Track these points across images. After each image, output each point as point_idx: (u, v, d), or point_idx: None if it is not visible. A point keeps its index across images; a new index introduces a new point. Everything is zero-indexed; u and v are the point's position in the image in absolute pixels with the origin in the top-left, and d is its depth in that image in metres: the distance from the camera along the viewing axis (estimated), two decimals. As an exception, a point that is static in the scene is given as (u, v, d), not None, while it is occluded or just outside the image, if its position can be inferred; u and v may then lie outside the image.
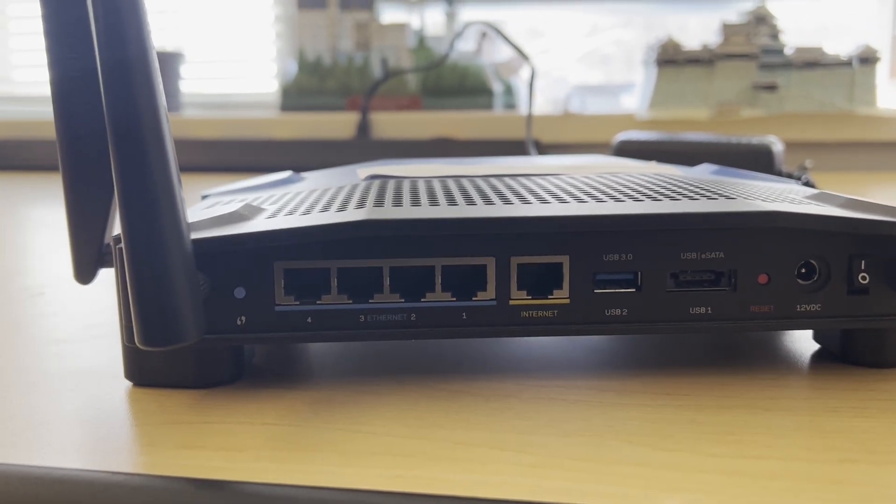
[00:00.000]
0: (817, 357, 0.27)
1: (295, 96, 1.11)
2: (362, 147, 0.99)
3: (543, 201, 0.25)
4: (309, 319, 0.24)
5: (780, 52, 0.93)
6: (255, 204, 0.27)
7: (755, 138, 0.63)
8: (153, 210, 0.20)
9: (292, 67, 1.13)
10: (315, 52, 1.11)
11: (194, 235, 0.22)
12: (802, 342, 0.29)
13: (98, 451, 0.21)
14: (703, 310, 0.24)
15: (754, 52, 0.93)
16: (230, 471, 0.19)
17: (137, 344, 0.20)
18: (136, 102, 0.20)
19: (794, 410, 0.23)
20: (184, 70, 1.19)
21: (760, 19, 0.94)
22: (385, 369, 0.26)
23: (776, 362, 0.27)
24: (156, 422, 0.22)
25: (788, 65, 0.92)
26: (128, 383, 0.25)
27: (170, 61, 1.15)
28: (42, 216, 0.66)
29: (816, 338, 0.28)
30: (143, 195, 0.20)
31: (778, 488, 0.18)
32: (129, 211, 0.20)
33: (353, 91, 1.08)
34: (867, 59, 0.91)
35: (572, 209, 0.24)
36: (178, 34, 1.32)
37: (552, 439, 0.21)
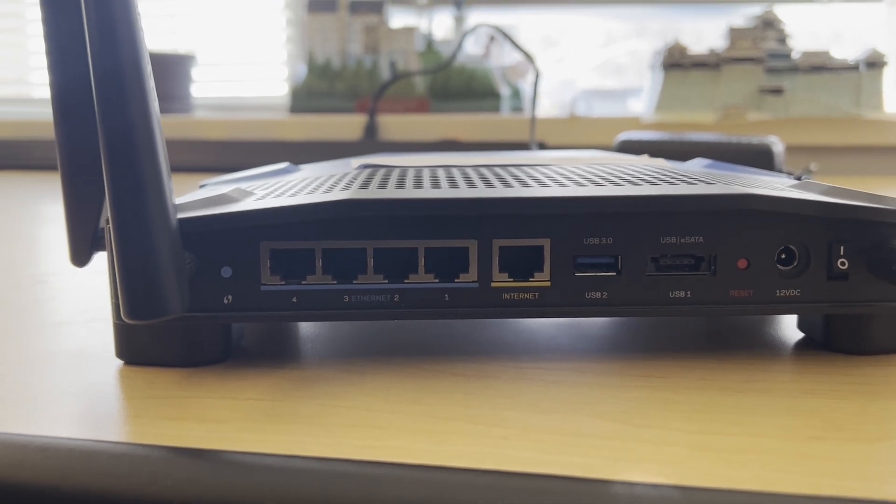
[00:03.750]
0: (800, 345, 0.28)
1: (304, 98, 1.12)
2: (369, 148, 1.00)
3: (526, 186, 0.26)
4: (294, 299, 0.24)
5: (786, 56, 0.93)
6: (246, 189, 0.28)
7: (755, 138, 0.63)
8: (139, 190, 0.20)
9: (302, 70, 1.14)
10: (325, 55, 1.12)
11: (182, 215, 0.23)
12: (787, 330, 0.29)
13: (84, 421, 0.21)
14: (682, 294, 0.25)
15: (761, 55, 0.93)
16: (211, 440, 0.20)
17: (123, 317, 0.21)
18: (126, 102, 0.20)
19: (769, 392, 0.23)
20: (195, 73, 1.21)
21: (768, 24, 0.94)
22: (369, 350, 0.27)
23: (759, 348, 0.27)
24: (143, 396, 0.23)
25: (795, 69, 0.92)
26: (119, 362, 0.26)
27: (182, 64, 1.16)
28: (50, 212, 0.67)
29: (800, 326, 0.28)
30: (129, 176, 0.20)
31: (742, 461, 0.18)
32: (116, 190, 0.21)
33: (362, 93, 1.09)
34: (874, 64, 0.91)
35: (552, 192, 0.24)
36: (190, 37, 1.34)
37: (527, 415, 0.21)
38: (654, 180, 0.27)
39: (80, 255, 0.27)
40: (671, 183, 0.26)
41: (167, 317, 0.21)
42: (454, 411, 0.22)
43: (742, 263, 0.25)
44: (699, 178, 0.27)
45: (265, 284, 0.24)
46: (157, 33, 1.34)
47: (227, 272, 0.24)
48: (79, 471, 0.19)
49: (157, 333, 0.25)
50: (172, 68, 1.14)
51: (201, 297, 0.24)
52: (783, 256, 0.25)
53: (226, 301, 0.24)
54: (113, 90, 0.20)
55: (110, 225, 0.21)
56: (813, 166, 0.71)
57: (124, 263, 0.21)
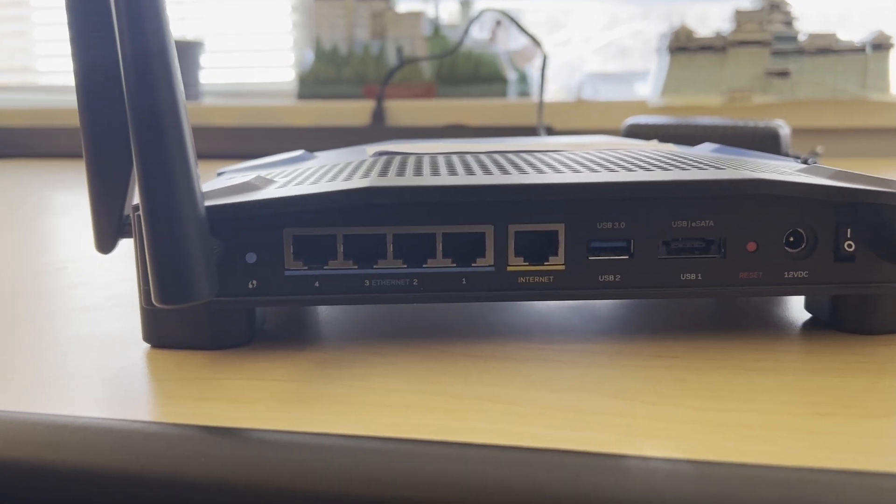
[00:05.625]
0: (808, 325, 0.28)
1: (311, 85, 1.12)
2: (377, 134, 1.00)
3: (540, 172, 0.26)
4: (316, 283, 0.25)
5: (793, 38, 0.93)
6: (266, 177, 0.28)
7: (762, 122, 0.64)
8: (169, 177, 0.21)
9: (309, 56, 1.14)
10: (332, 41, 1.12)
11: (208, 203, 0.24)
12: (795, 311, 0.30)
13: (117, 402, 0.22)
14: (693, 276, 0.25)
15: (767, 38, 0.93)
16: (240, 419, 0.21)
17: (154, 302, 0.22)
18: (155, 86, 0.21)
19: (779, 371, 0.24)
20: (204, 59, 1.21)
21: (774, 6, 0.94)
22: (389, 333, 0.28)
23: (768, 329, 0.28)
24: (172, 378, 0.24)
25: (801, 51, 0.92)
26: (146, 345, 0.27)
27: (190, 51, 1.16)
28: (65, 201, 0.68)
29: (808, 307, 0.29)
30: (160, 165, 0.21)
31: (751, 436, 0.19)
32: (147, 179, 0.21)
33: (369, 79, 1.10)
34: (880, 46, 0.91)
35: (566, 178, 0.25)
36: (199, 24, 1.34)
37: (543, 394, 0.22)
38: (666, 165, 0.27)
39: (106, 242, 0.27)
40: (682, 168, 0.26)
41: (197, 301, 0.22)
42: (472, 391, 0.22)
43: (751, 246, 0.25)
44: (709, 164, 0.28)
45: (289, 269, 0.25)
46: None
47: (251, 258, 0.25)
48: (115, 451, 0.20)
49: (184, 317, 0.26)
50: (181, 55, 1.13)
51: (227, 282, 0.25)
52: (791, 239, 0.25)
53: (251, 286, 0.25)
54: (143, 74, 0.21)
55: (141, 212, 0.22)
56: (819, 149, 0.71)
57: (156, 250, 0.21)
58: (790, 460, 0.18)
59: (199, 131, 1.12)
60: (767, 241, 0.25)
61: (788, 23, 0.94)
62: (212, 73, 1.29)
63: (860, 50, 0.91)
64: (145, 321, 0.26)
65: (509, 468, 0.18)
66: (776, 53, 0.93)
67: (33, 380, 0.24)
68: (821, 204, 0.25)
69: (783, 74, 0.92)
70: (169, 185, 0.21)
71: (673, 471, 0.18)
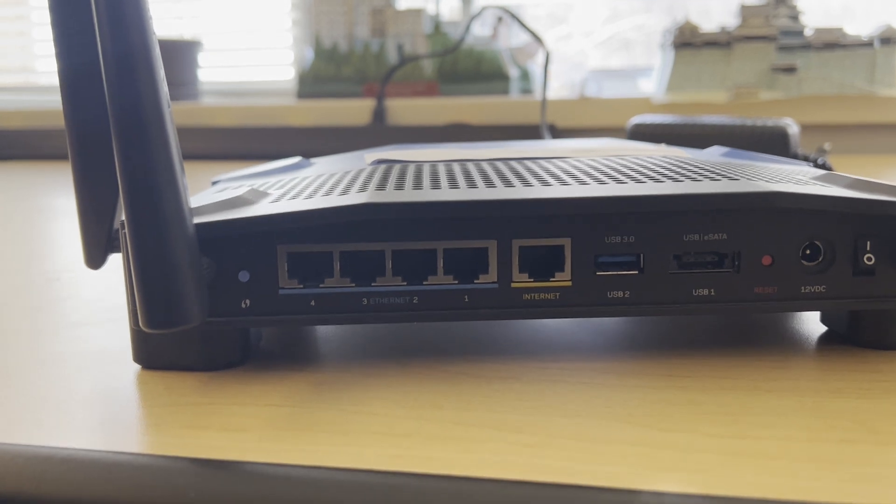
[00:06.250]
0: (824, 339, 0.27)
1: (311, 83, 1.11)
2: (377, 133, 0.99)
3: (546, 184, 0.25)
4: (312, 302, 0.24)
5: (799, 33, 0.92)
6: (260, 189, 0.27)
7: (770, 121, 0.62)
8: (155, 195, 0.20)
9: (309, 55, 1.13)
10: (331, 39, 1.11)
11: (198, 220, 0.23)
12: (810, 324, 0.29)
13: (103, 431, 0.21)
14: (706, 291, 0.24)
15: (773, 33, 0.91)
16: (232, 450, 0.20)
17: (142, 327, 0.21)
18: (137, 92, 0.20)
19: (796, 392, 0.23)
20: (202, 58, 1.20)
21: (780, 0, 0.93)
22: (388, 353, 0.27)
23: (782, 345, 0.27)
24: (161, 403, 0.23)
25: (808, 46, 0.91)
26: (136, 366, 0.26)
27: (188, 50, 1.15)
28: (62, 204, 0.67)
29: (824, 320, 0.28)
30: (145, 181, 0.20)
31: (776, 468, 0.18)
32: (131, 196, 0.20)
33: (369, 78, 1.09)
34: (888, 40, 0.90)
35: (573, 191, 0.24)
36: (196, 23, 1.33)
37: (551, 420, 0.21)
38: (677, 175, 0.26)
39: (95, 257, 0.26)
40: (694, 179, 0.25)
41: (187, 325, 0.21)
42: (477, 416, 0.21)
43: (766, 260, 0.24)
44: (722, 173, 0.27)
45: (283, 288, 0.24)
46: (162, 19, 1.33)
47: (244, 276, 0.24)
48: (100, 483, 0.19)
49: (176, 338, 0.25)
50: (178, 54, 1.13)
51: (219, 301, 0.24)
52: (808, 252, 0.24)
53: (244, 305, 0.24)
54: (124, 77, 0.20)
55: (126, 231, 0.20)
56: (827, 145, 0.70)
57: (142, 271, 0.20)
58: (818, 496, 0.17)
59: (197, 132, 1.11)
60: (783, 255, 0.24)
61: (794, 17, 0.93)
62: (210, 72, 1.28)
63: (868, 44, 0.90)
64: (135, 342, 0.25)
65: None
66: (782, 49, 0.91)
67: (14, 405, 0.23)
68: (839, 216, 0.24)
69: (789, 70, 0.91)
70: (155, 203, 0.20)
71: (690, 507, 0.17)
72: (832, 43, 0.90)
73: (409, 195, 0.24)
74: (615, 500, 0.17)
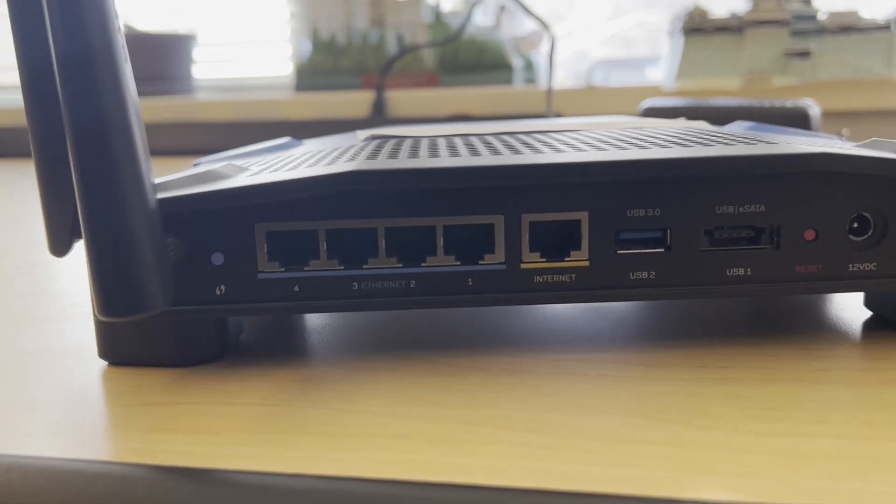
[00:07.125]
0: (870, 324, 0.24)
1: (309, 76, 1.09)
2: (377, 125, 0.96)
3: (558, 152, 0.22)
4: (296, 288, 0.21)
5: (812, 17, 0.89)
6: (240, 165, 0.25)
7: (789, 101, 0.59)
8: (109, 161, 0.17)
9: (306, 47, 1.10)
10: (329, 30, 1.08)
11: (163, 194, 0.20)
12: (852, 309, 0.26)
13: (63, 436, 0.18)
14: (741, 271, 0.22)
15: (786, 17, 0.88)
16: (201, 456, 0.17)
17: (98, 315, 0.18)
18: (90, 84, 0.17)
19: (847, 382, 0.20)
20: (196, 53, 1.17)
21: (791, -16, 0.90)
22: (383, 344, 0.24)
23: (824, 330, 0.24)
24: (124, 403, 0.20)
25: (822, 30, 0.88)
26: (103, 363, 0.23)
27: (182, 44, 1.13)
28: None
29: (868, 303, 0.25)
30: (96, 153, 0.17)
31: (835, 470, 0.15)
32: (81, 165, 0.18)
33: (369, 69, 1.06)
34: (906, 22, 0.86)
35: (591, 156, 0.21)
36: (191, 17, 1.31)
37: (570, 418, 0.18)
38: (706, 141, 0.23)
39: (59, 244, 0.24)
40: (727, 144, 0.22)
41: (147, 312, 0.18)
42: (484, 414, 0.19)
43: (809, 234, 0.21)
44: (756, 139, 0.24)
45: (262, 272, 0.21)
46: (156, 13, 1.30)
47: (218, 259, 0.21)
48: (59, 494, 0.17)
49: (143, 330, 0.22)
50: (172, 49, 1.10)
51: (190, 287, 0.21)
52: (856, 226, 0.22)
53: (218, 292, 0.21)
54: (75, 74, 0.17)
55: (78, 207, 0.18)
56: (845, 132, 0.67)
57: (95, 251, 0.18)
58: (889, 502, 0.14)
59: (192, 127, 1.08)
60: (828, 229, 0.21)
61: (807, 1, 0.90)
62: (205, 67, 1.25)
63: (885, 27, 0.87)
64: (100, 335, 0.23)
65: (531, 517, 0.15)
66: (795, 33, 0.88)
67: (-38, 408, 0.20)
68: (892, 183, 0.21)
69: (803, 55, 0.88)
70: (108, 171, 0.17)
71: (739, 519, 0.14)
72: (847, 26, 0.87)
73: (402, 163, 0.21)
74: (649, 511, 0.14)
